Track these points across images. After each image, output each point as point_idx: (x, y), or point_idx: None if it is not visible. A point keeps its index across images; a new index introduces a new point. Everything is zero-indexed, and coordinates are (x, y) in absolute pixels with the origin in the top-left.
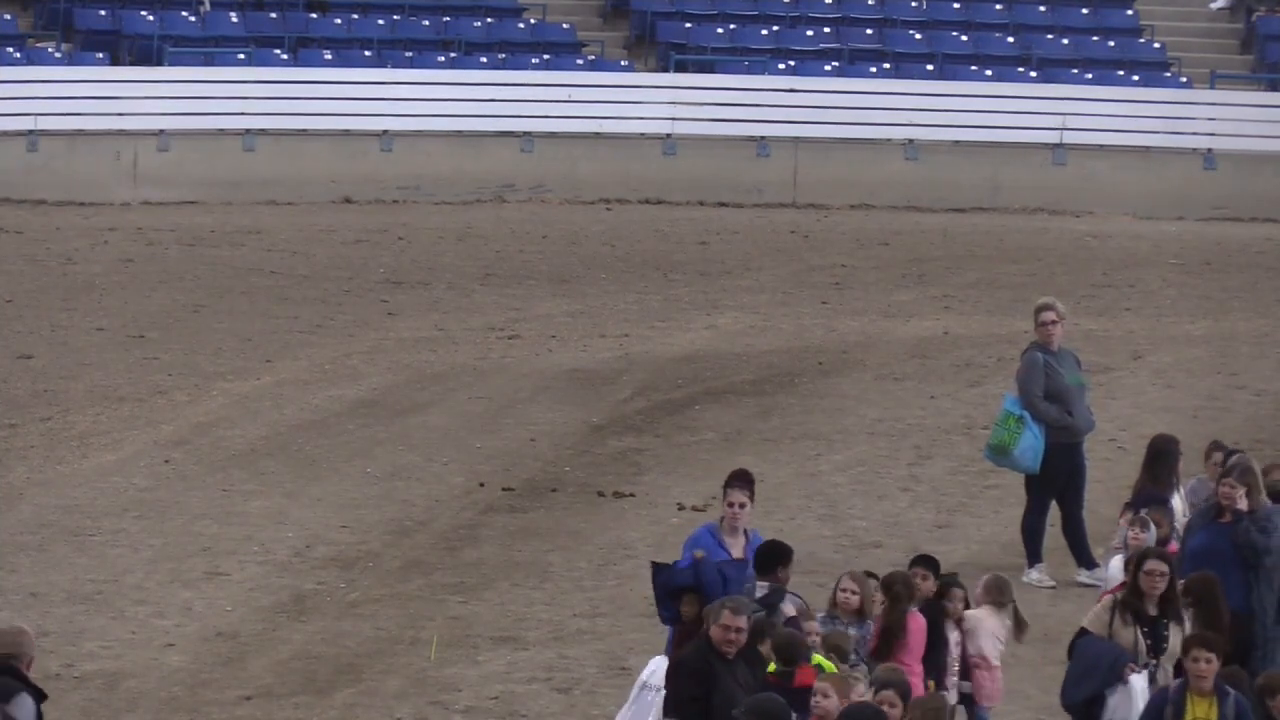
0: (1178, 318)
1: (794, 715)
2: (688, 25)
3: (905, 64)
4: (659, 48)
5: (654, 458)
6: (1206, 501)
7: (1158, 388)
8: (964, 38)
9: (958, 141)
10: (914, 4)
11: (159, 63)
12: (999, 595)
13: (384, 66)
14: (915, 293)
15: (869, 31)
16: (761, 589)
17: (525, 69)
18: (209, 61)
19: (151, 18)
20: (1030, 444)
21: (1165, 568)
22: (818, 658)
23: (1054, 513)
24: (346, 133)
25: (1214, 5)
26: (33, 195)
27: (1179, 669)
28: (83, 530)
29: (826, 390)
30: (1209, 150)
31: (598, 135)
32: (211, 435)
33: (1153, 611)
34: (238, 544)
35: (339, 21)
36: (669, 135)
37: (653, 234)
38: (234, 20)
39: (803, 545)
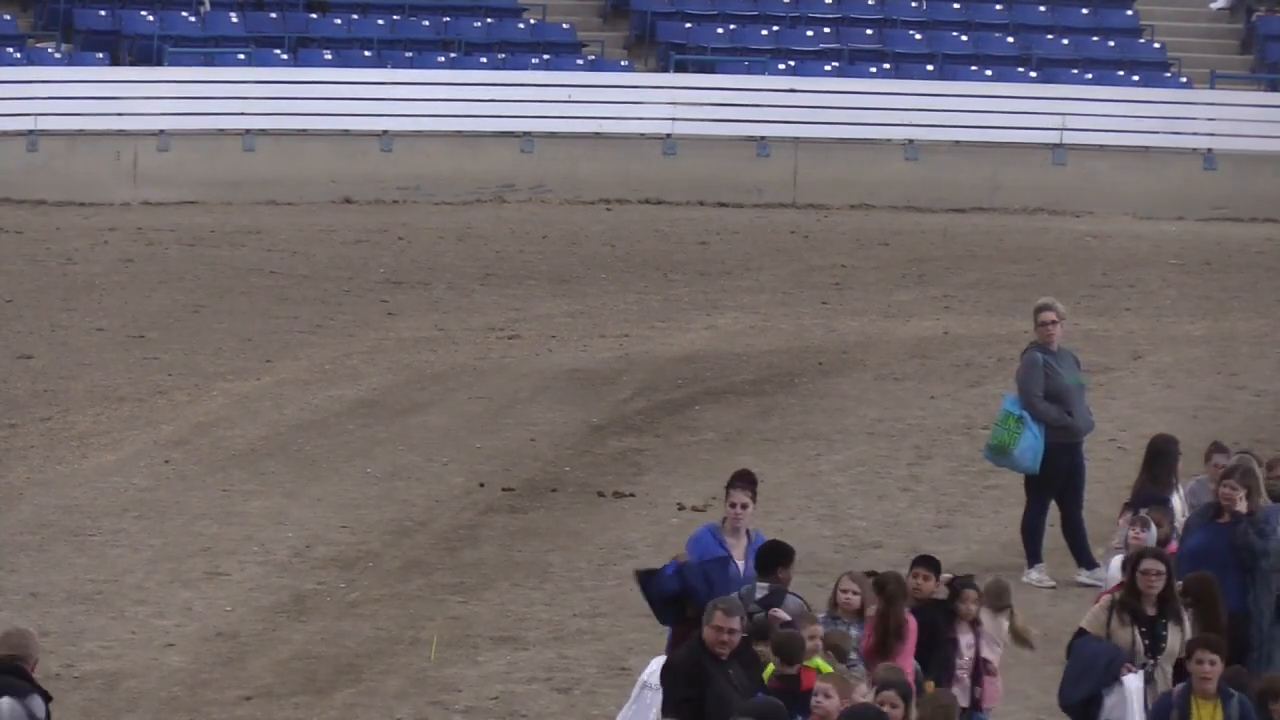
0: (1178, 318)
1: (798, 718)
2: (688, 25)
3: (905, 64)
4: (659, 48)
5: (654, 458)
6: (1206, 501)
7: (1158, 388)
8: (964, 38)
9: (958, 141)
10: (914, 4)
11: (159, 63)
12: (998, 599)
13: (384, 66)
14: (915, 293)
15: (869, 31)
16: (762, 589)
17: (525, 69)
18: (209, 61)
19: (151, 18)
20: (1030, 444)
21: (1162, 567)
22: (817, 660)
23: (1054, 513)
24: (346, 133)
25: (1214, 5)
26: (33, 195)
27: (1179, 670)
28: (83, 530)
29: (826, 390)
30: (1209, 150)
31: (598, 135)
32: (211, 435)
33: (1151, 611)
34: (238, 544)
35: (339, 21)
36: (669, 135)
37: (653, 234)
38: (234, 20)
39: (803, 545)
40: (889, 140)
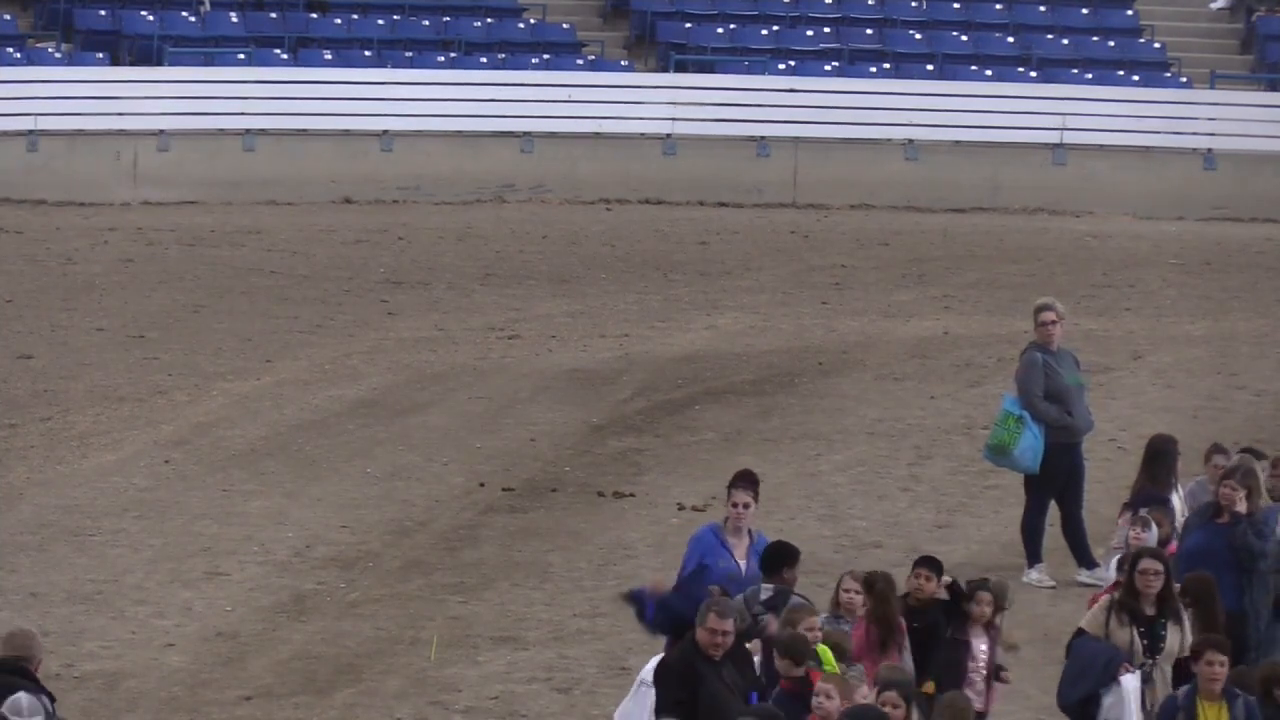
0: (1178, 318)
1: None
2: (688, 25)
3: (905, 64)
4: (659, 48)
5: (654, 458)
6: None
7: (1158, 388)
8: (964, 38)
9: (958, 141)
10: (914, 4)
11: (159, 63)
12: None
13: (384, 66)
14: (915, 293)
15: (869, 31)
16: (767, 590)
17: (525, 69)
18: (209, 61)
19: (151, 18)
20: (1030, 444)
21: (1160, 567)
22: (820, 648)
23: (1054, 513)
24: (346, 133)
25: (1214, 5)
26: (33, 195)
27: (1178, 670)
28: (83, 530)
29: (826, 390)
30: (1209, 150)
31: (598, 135)
32: (211, 435)
33: (1150, 611)
34: (238, 544)
35: (339, 21)
36: (669, 135)
37: (653, 234)
38: (234, 20)
39: (803, 545)
40: (889, 140)
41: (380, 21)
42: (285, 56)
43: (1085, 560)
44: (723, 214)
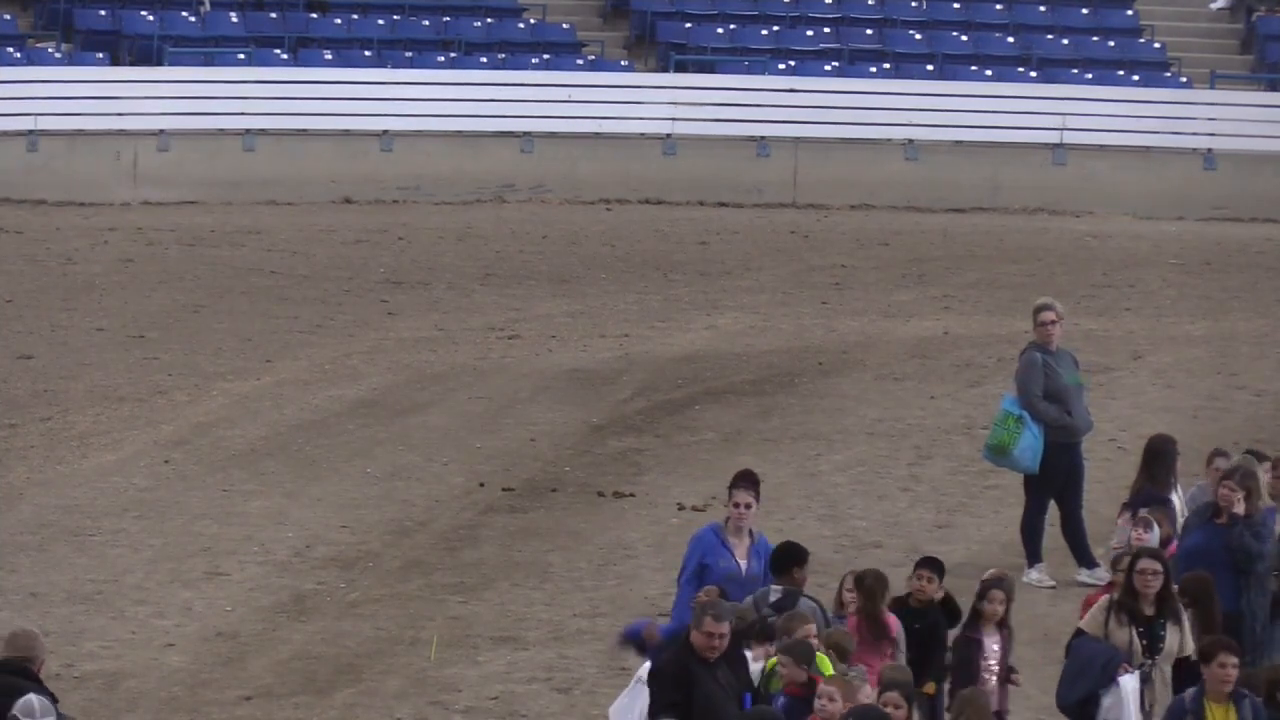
0: (1178, 318)
1: None
2: (688, 25)
3: (905, 64)
4: (659, 48)
5: (654, 458)
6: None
7: (1158, 388)
8: (964, 38)
9: (958, 141)
10: (914, 4)
11: (159, 63)
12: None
13: (384, 66)
14: (915, 293)
15: (869, 31)
16: (776, 592)
17: (525, 69)
18: (209, 61)
19: (151, 18)
20: (1030, 444)
21: (1158, 567)
22: (820, 655)
23: (1054, 513)
24: (346, 133)
25: (1214, 5)
26: (33, 195)
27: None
28: (83, 530)
29: (826, 390)
30: (1209, 150)
31: (598, 135)
32: (211, 435)
33: (1149, 611)
34: (238, 544)
35: (339, 21)
36: (669, 135)
37: (653, 234)
38: (234, 20)
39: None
40: (889, 140)
41: (380, 21)
42: (285, 56)
43: (1085, 560)
44: (723, 214)
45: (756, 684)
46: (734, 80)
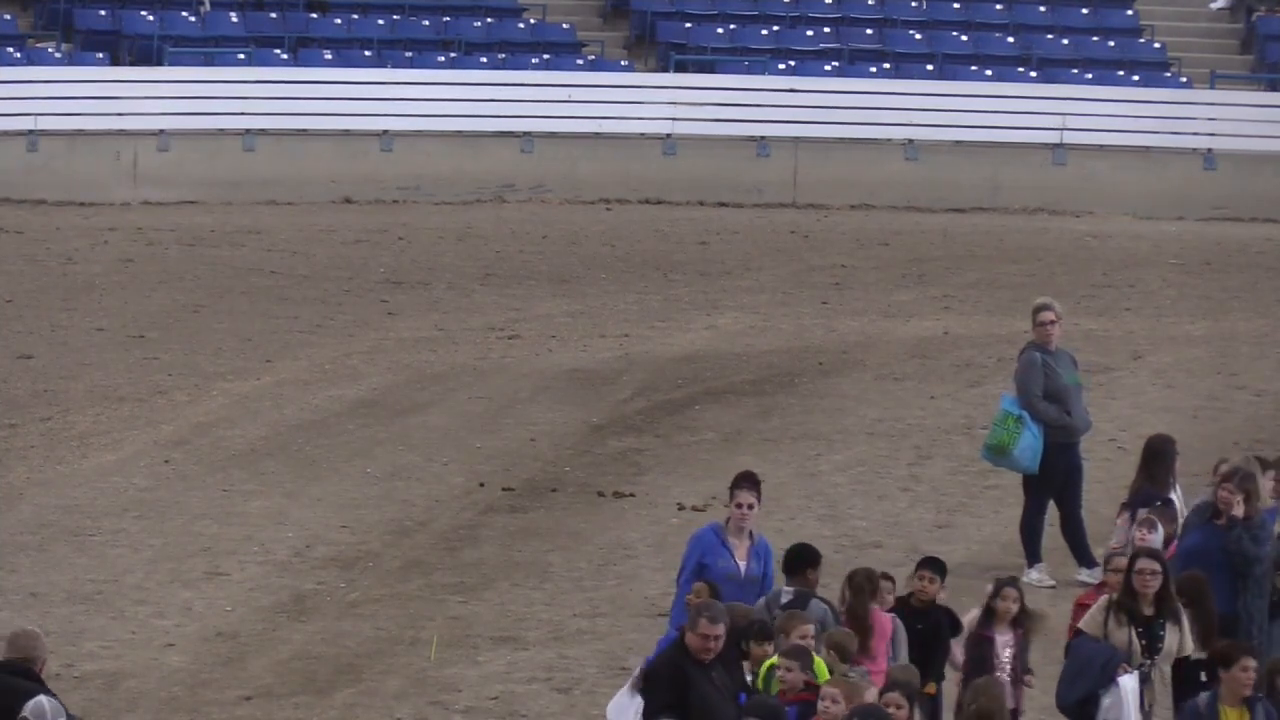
0: (1178, 318)
1: None
2: (688, 25)
3: (905, 64)
4: (659, 48)
5: (654, 458)
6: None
7: (1158, 388)
8: (964, 38)
9: (958, 141)
10: (914, 4)
11: (159, 63)
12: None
13: (384, 66)
14: (915, 293)
15: (869, 31)
16: (787, 594)
17: (525, 69)
18: (209, 61)
19: (151, 18)
20: (1029, 444)
21: (1157, 567)
22: (818, 660)
23: (1054, 513)
24: (346, 133)
25: (1214, 5)
26: (33, 195)
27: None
28: (83, 530)
29: (826, 390)
30: (1209, 150)
31: (598, 135)
32: (211, 435)
33: (1148, 612)
34: (238, 544)
35: (339, 21)
36: (669, 135)
37: (653, 234)
38: (234, 20)
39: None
40: (889, 140)
41: (380, 21)
42: (285, 56)
43: (1085, 560)
44: (723, 214)
45: (750, 682)
46: (734, 80)
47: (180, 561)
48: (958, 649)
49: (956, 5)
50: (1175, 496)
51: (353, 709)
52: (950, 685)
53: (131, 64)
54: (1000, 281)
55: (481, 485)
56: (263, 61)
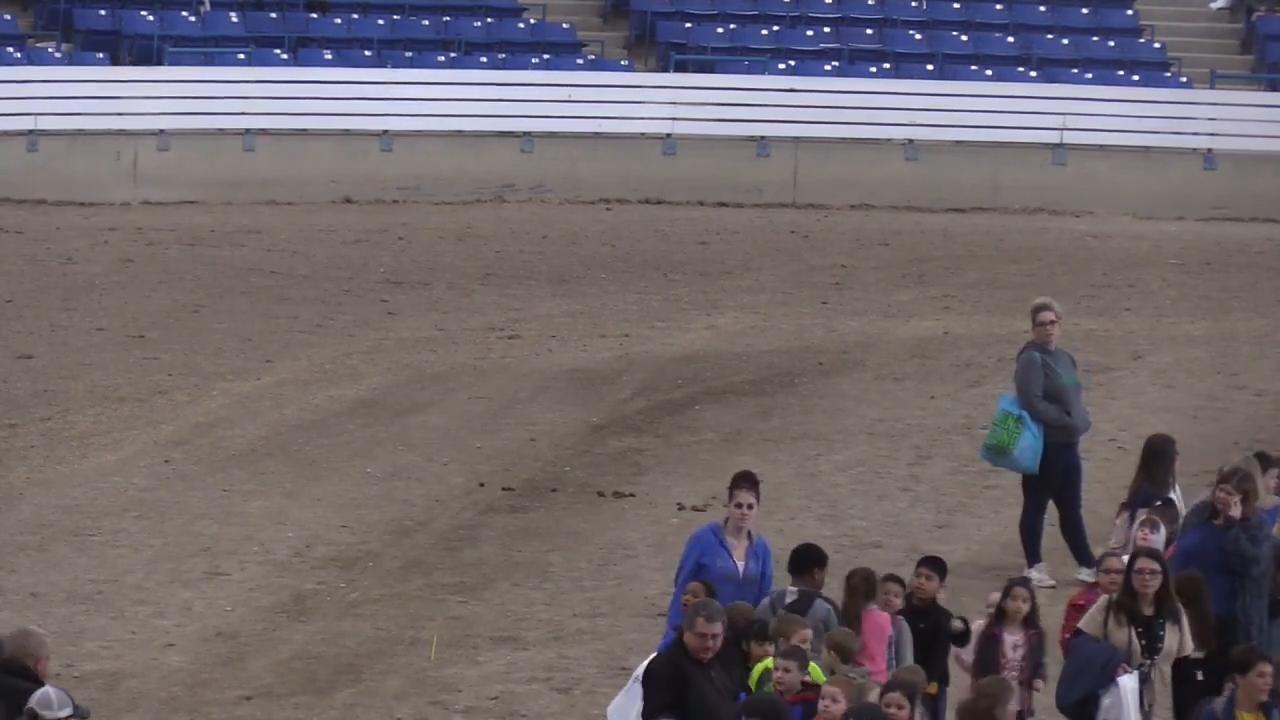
0: (1178, 318)
1: None
2: (688, 25)
3: (905, 64)
4: (659, 48)
5: (654, 458)
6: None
7: (1158, 388)
8: (964, 38)
9: (958, 141)
10: (914, 4)
11: (159, 63)
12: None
13: (384, 66)
14: (915, 293)
15: (869, 31)
16: (792, 594)
17: (525, 69)
18: (209, 61)
19: (151, 18)
20: (1030, 444)
21: (1156, 566)
22: (812, 665)
23: (1053, 513)
24: (346, 133)
25: (1214, 5)
26: (33, 195)
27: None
28: (83, 530)
29: (826, 390)
30: (1209, 150)
31: (598, 135)
32: (211, 435)
33: (1148, 612)
34: (238, 544)
35: (339, 21)
36: (669, 135)
37: (653, 234)
38: (234, 20)
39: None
40: (889, 140)
41: (380, 21)
42: (285, 56)
43: (1085, 559)
44: (723, 214)
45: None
46: (734, 80)
47: (180, 561)
48: (963, 654)
49: (956, 5)
50: (1175, 496)
51: (353, 709)
52: (963, 691)
53: (131, 64)
54: (1000, 281)
55: (481, 485)
56: (263, 61)
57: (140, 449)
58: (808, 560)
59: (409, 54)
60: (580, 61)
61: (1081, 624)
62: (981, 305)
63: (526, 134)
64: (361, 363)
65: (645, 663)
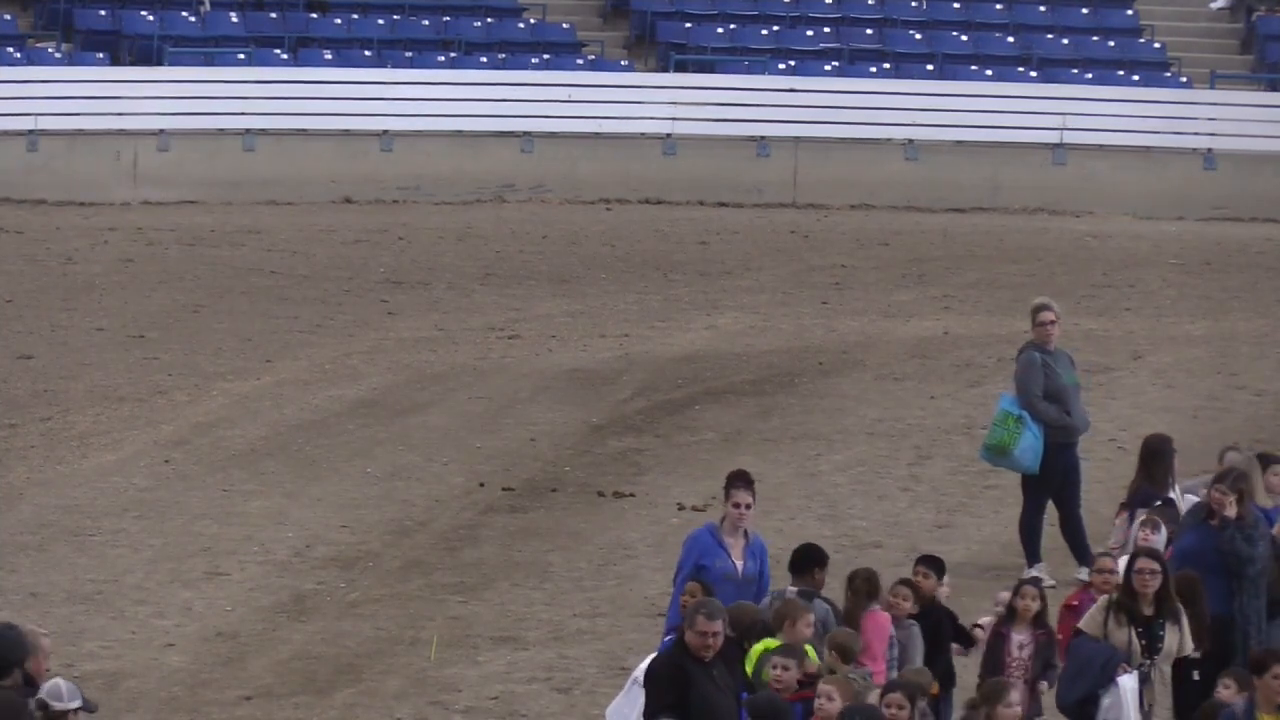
0: (1178, 318)
1: None
2: (688, 25)
3: (905, 64)
4: (659, 48)
5: (654, 458)
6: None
7: (1158, 388)
8: (964, 38)
9: (958, 141)
10: (914, 4)
11: (159, 63)
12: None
13: (384, 66)
14: (915, 293)
15: (869, 31)
16: (791, 594)
17: (525, 69)
18: (209, 61)
19: (151, 18)
20: (1030, 444)
21: (1156, 566)
22: (808, 649)
23: (1053, 513)
24: (346, 133)
25: (1214, 5)
26: (33, 195)
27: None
28: (83, 530)
29: (826, 390)
30: (1209, 150)
31: (598, 135)
32: (211, 435)
33: (1148, 612)
34: (238, 544)
35: (339, 21)
36: (669, 135)
37: (653, 234)
38: (234, 20)
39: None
40: (889, 140)
41: (380, 21)
42: (285, 56)
43: (1085, 559)
44: (723, 214)
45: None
46: (734, 80)
47: (180, 561)
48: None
49: (956, 5)
50: (1175, 496)
51: (353, 709)
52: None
53: (131, 64)
54: (1000, 281)
55: (481, 485)
56: (263, 61)
57: (140, 449)
58: (808, 560)
59: (409, 54)
60: (580, 61)
61: (1081, 624)
62: (981, 305)
63: (526, 134)
64: (361, 363)
65: (643, 665)
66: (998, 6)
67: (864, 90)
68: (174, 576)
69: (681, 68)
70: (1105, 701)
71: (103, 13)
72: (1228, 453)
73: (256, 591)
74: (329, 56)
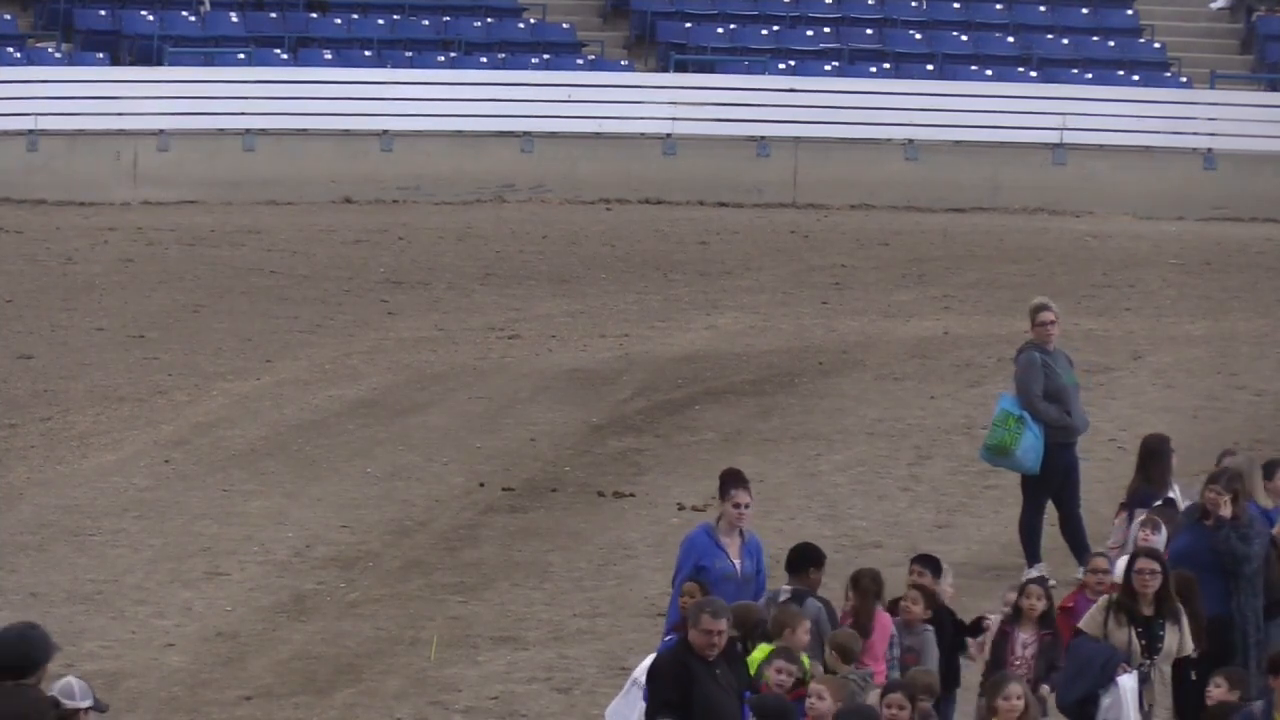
0: (1178, 318)
1: None
2: (688, 25)
3: (905, 64)
4: (659, 48)
5: (654, 458)
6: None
7: (1158, 388)
8: (964, 38)
9: (958, 141)
10: (914, 4)
11: (159, 63)
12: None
13: (384, 66)
14: (915, 293)
15: (869, 31)
16: (785, 592)
17: (525, 69)
18: (209, 61)
19: (151, 18)
20: (1031, 444)
21: (1155, 566)
22: (803, 657)
23: (1054, 513)
24: (346, 133)
25: (1214, 5)
26: (33, 195)
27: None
28: (83, 530)
29: (826, 390)
30: (1209, 150)
31: (598, 135)
32: (211, 435)
33: (1148, 612)
34: (238, 544)
35: (339, 21)
36: (669, 135)
37: (653, 234)
38: (234, 20)
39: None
40: (889, 140)
41: (380, 21)
42: (285, 56)
43: (1085, 559)
44: (723, 214)
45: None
46: (734, 80)
47: (180, 561)
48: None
49: (956, 5)
50: (1175, 496)
51: (353, 709)
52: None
53: (131, 64)
54: (1000, 281)
55: (481, 485)
56: (263, 61)
57: (140, 449)
58: (805, 559)
59: (409, 54)
60: (580, 61)
61: (1081, 624)
62: (981, 305)
63: (526, 134)
64: (361, 363)
65: (642, 666)
66: (998, 6)
67: (864, 90)
68: (174, 576)
69: (681, 68)
70: (1105, 701)
71: (103, 13)
72: (1225, 457)
73: (256, 591)
74: (329, 56)
